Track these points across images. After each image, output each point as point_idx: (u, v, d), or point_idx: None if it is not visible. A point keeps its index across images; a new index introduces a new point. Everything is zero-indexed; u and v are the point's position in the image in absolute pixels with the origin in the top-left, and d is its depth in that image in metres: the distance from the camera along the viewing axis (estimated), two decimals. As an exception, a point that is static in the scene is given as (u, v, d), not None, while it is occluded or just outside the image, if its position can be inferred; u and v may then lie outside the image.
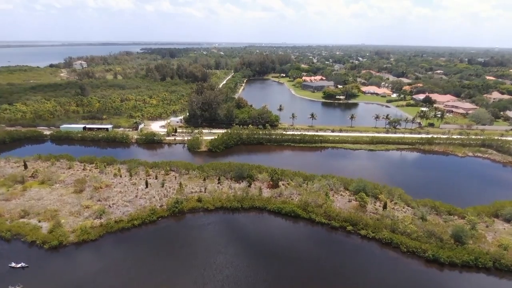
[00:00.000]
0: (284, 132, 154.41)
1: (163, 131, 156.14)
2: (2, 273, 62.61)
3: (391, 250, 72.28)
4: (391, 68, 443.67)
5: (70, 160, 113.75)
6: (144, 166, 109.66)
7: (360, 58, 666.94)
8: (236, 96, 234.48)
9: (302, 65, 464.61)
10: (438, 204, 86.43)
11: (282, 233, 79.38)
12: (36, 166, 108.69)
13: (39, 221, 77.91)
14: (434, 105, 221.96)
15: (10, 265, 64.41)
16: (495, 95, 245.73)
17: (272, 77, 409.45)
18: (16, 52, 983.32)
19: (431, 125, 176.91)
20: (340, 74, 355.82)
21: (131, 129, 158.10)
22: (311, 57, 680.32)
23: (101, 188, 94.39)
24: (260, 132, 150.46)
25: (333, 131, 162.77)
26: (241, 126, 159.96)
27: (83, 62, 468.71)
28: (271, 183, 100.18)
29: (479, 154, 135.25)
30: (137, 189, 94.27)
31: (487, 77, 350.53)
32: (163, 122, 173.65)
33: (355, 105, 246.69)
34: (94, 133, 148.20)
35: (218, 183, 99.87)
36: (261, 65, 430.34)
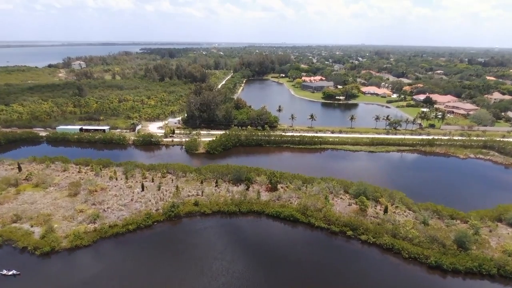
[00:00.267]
0: (283, 133, 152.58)
1: (160, 132, 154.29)
2: (-8, 281, 60.82)
3: (392, 256, 70.38)
4: (391, 68, 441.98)
5: (65, 162, 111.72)
6: (141, 169, 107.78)
7: (360, 58, 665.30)
8: (235, 96, 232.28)
9: (302, 65, 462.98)
10: (440, 208, 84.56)
11: (280, 238, 77.44)
12: (30, 169, 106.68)
13: (32, 226, 76.00)
14: (435, 105, 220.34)
15: (1, 272, 62.58)
16: (496, 95, 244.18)
17: (272, 77, 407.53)
18: (15, 52, 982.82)
19: (432, 126, 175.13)
20: (340, 75, 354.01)
21: (128, 131, 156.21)
22: (310, 57, 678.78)
23: (96, 191, 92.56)
24: (259, 134, 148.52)
25: (332, 132, 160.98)
26: (239, 127, 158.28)
27: (81, 62, 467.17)
28: (269, 186, 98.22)
29: (481, 156, 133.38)
30: (133, 193, 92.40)
31: (488, 78, 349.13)
32: (161, 123, 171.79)
33: (355, 105, 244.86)
34: (90, 134, 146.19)
35: (216, 186, 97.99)
36: (260, 65, 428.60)
